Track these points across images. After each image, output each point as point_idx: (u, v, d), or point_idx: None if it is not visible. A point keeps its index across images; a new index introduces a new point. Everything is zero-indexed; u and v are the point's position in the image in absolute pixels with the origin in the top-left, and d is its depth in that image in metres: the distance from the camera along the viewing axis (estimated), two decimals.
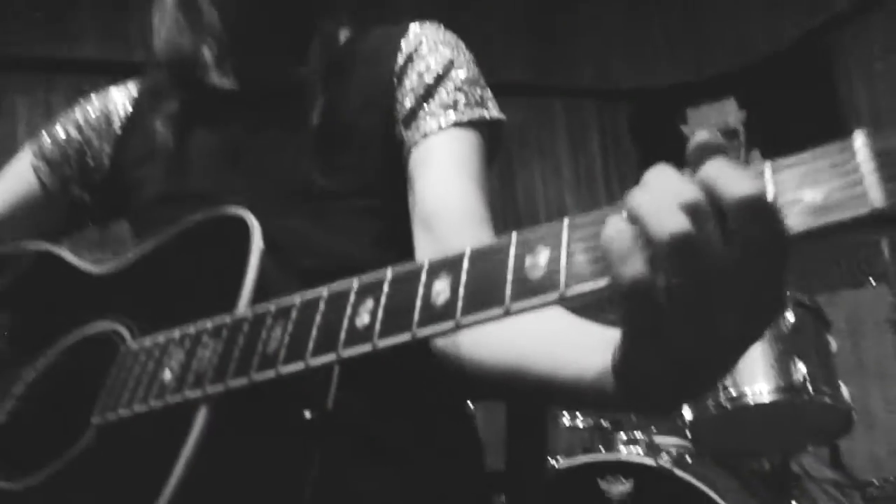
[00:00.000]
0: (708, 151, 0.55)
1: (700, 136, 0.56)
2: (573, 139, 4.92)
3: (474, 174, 1.02)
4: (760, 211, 0.52)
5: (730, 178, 0.53)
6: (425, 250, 0.98)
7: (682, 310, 0.55)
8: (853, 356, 3.59)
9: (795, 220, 0.52)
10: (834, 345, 2.51)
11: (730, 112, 4.92)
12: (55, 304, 1.01)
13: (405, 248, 1.01)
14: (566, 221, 0.61)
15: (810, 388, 2.30)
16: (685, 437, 2.46)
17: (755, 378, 2.36)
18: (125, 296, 0.93)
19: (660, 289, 0.55)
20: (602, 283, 0.57)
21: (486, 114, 1.06)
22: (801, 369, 2.34)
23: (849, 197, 0.52)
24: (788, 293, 2.49)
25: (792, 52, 4.60)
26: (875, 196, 0.51)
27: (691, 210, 0.53)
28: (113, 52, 3.95)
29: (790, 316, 2.43)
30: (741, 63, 4.86)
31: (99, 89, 1.23)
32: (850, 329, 3.61)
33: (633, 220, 0.55)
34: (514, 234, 0.63)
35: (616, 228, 0.55)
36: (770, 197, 0.52)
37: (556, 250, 0.60)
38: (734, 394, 2.34)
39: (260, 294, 0.78)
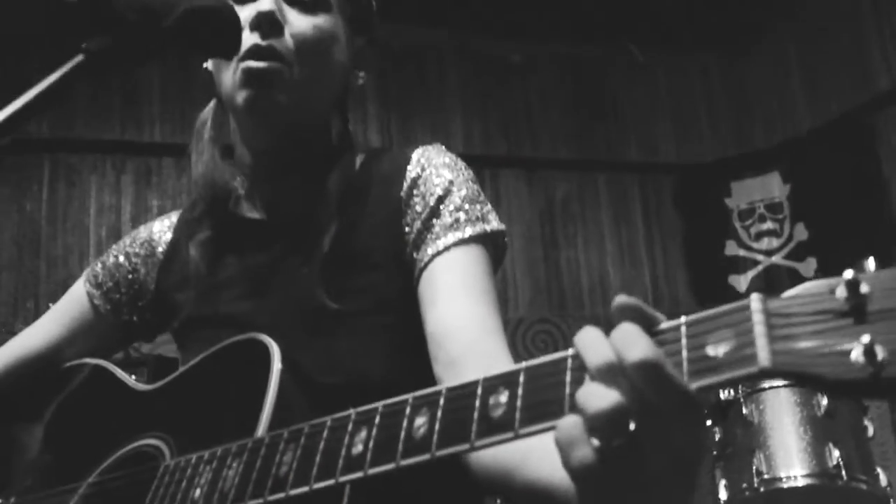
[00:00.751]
0: (626, 314, 0.65)
1: (619, 298, 0.67)
2: (616, 212, 4.99)
3: (480, 288, 1.09)
4: (651, 372, 0.60)
5: (627, 343, 0.62)
6: (440, 368, 1.06)
7: (619, 464, 0.63)
8: None
9: (695, 377, 0.62)
10: (871, 429, 2.52)
11: (774, 186, 4.95)
12: (106, 421, 1.15)
13: (421, 361, 1.08)
14: (523, 365, 0.72)
15: (844, 473, 2.32)
16: None
17: (790, 462, 2.39)
18: (165, 414, 1.06)
19: (600, 456, 0.63)
20: (551, 423, 0.68)
21: (486, 227, 1.13)
22: (835, 454, 2.36)
23: (742, 356, 0.62)
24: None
25: (835, 126, 4.63)
26: (763, 356, 0.61)
27: (614, 377, 0.62)
28: (178, 136, 4.23)
29: (824, 400, 2.45)
30: (785, 137, 4.91)
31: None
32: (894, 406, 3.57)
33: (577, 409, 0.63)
34: (481, 377, 0.74)
35: (565, 423, 0.64)
36: (662, 360, 0.62)
37: (514, 393, 0.71)
38: (768, 477, 2.37)
39: (281, 411, 0.89)
